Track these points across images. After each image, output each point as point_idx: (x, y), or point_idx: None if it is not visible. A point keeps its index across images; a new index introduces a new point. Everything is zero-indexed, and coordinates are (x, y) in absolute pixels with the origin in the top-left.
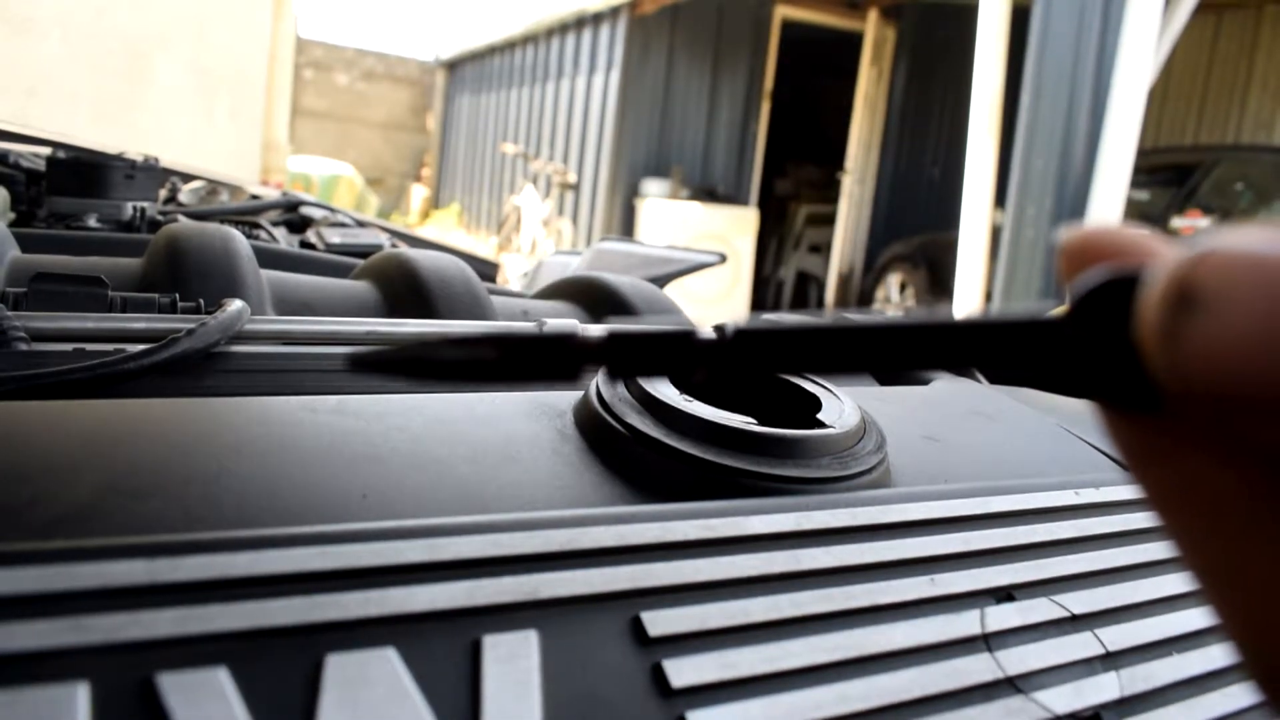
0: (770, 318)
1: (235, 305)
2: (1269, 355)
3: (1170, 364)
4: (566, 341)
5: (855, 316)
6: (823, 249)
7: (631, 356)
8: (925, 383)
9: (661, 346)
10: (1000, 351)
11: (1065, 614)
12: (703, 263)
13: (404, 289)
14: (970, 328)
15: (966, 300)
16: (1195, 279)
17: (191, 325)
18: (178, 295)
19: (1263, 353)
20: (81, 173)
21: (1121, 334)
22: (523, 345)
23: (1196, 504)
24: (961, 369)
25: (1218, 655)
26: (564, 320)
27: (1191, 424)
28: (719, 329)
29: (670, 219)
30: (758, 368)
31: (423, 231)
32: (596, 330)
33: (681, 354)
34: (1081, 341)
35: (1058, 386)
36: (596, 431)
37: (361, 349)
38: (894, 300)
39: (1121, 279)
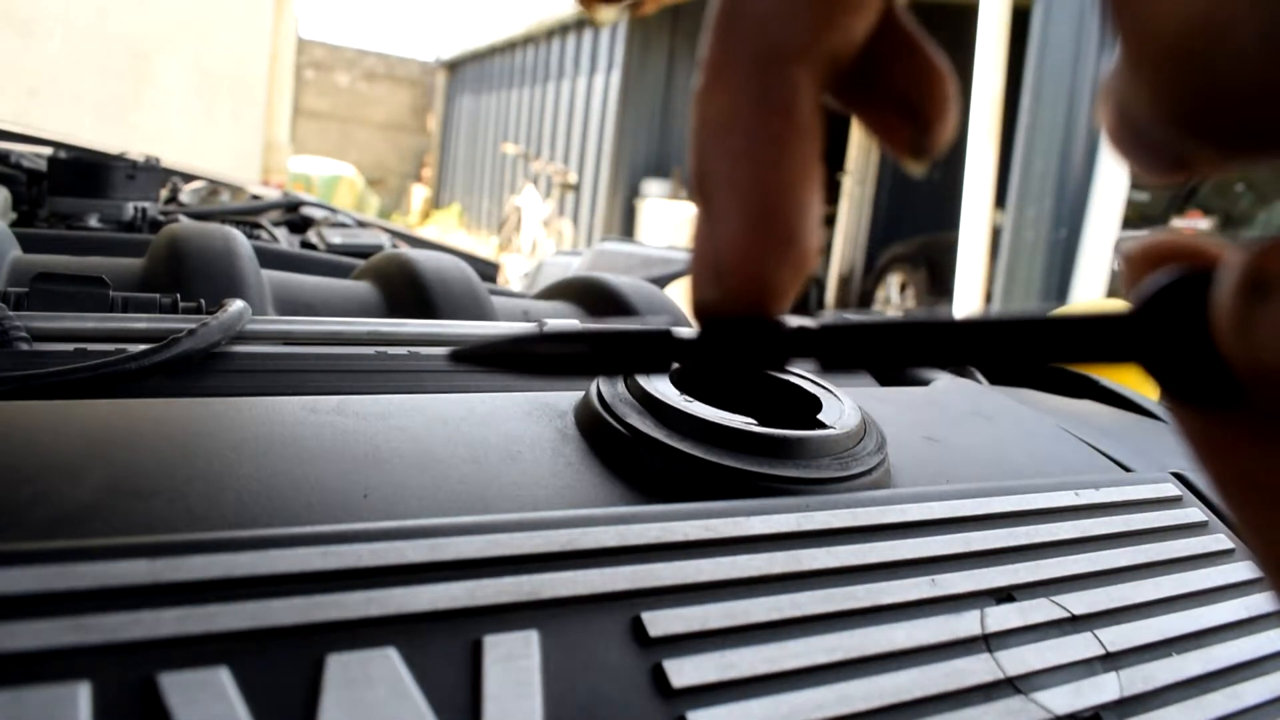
0: (873, 320)
1: (236, 305)
2: None
3: (1245, 352)
4: (661, 338)
5: (942, 316)
6: (823, 250)
7: (725, 350)
8: (925, 383)
9: (754, 341)
10: (1074, 347)
11: (1065, 614)
12: None
13: (405, 289)
14: (1042, 324)
15: (967, 301)
16: (1268, 266)
17: (193, 325)
18: (179, 295)
19: None
20: (83, 173)
21: (1194, 328)
22: (618, 340)
23: (1271, 498)
24: (1039, 366)
25: (1218, 655)
26: (655, 319)
27: (1267, 415)
28: (808, 324)
29: (671, 219)
30: (845, 362)
31: (423, 232)
32: (688, 330)
33: (773, 348)
34: (1156, 337)
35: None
36: (597, 432)
37: (462, 346)
38: (894, 301)
39: (1193, 275)
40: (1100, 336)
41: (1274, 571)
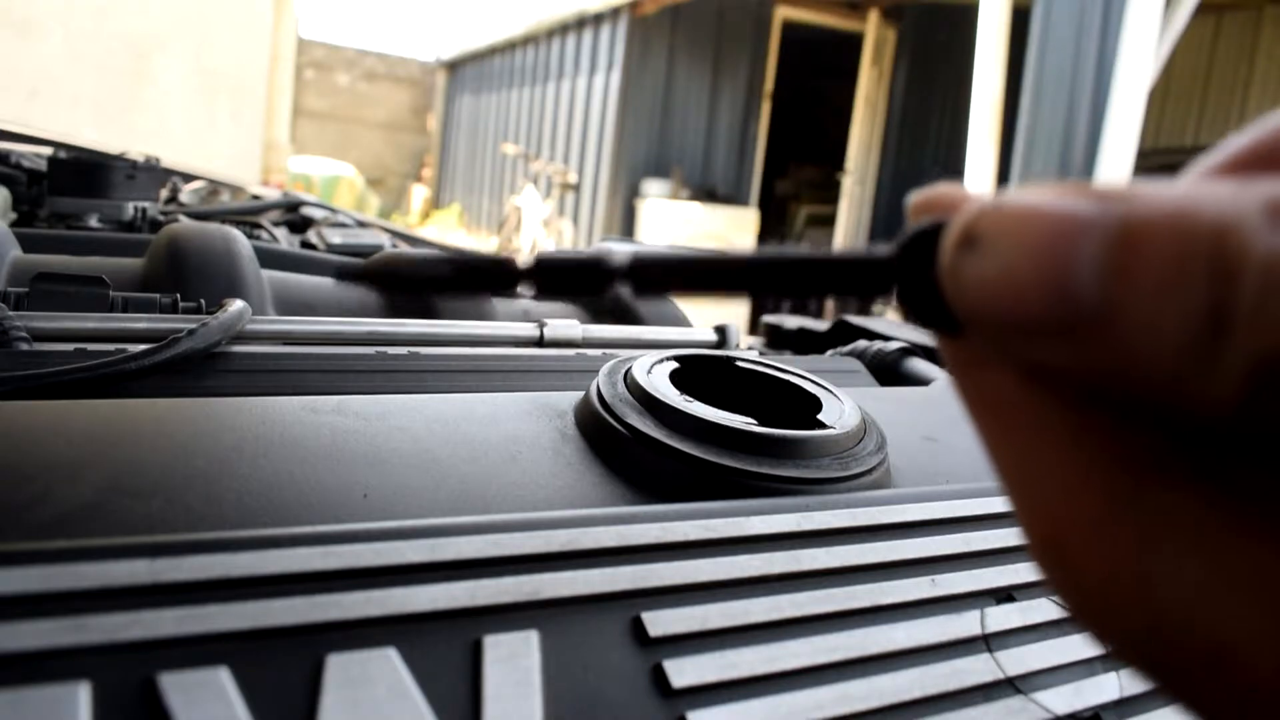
0: (675, 253)
1: (236, 305)
2: (1023, 288)
3: (955, 294)
4: (504, 264)
5: (736, 251)
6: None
7: (554, 278)
8: (925, 383)
9: (577, 271)
10: (844, 281)
11: (1065, 614)
12: None
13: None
14: (820, 261)
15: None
16: (976, 226)
17: (193, 325)
18: (179, 295)
19: (1018, 286)
20: (83, 173)
21: (931, 270)
22: (470, 265)
23: (994, 408)
24: (811, 296)
25: None
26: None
27: (981, 343)
28: (626, 256)
29: (670, 219)
30: (652, 289)
31: (423, 232)
32: (527, 257)
33: (593, 277)
34: (903, 276)
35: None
36: (597, 432)
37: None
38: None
39: (935, 226)
40: (867, 273)
41: (1002, 472)
